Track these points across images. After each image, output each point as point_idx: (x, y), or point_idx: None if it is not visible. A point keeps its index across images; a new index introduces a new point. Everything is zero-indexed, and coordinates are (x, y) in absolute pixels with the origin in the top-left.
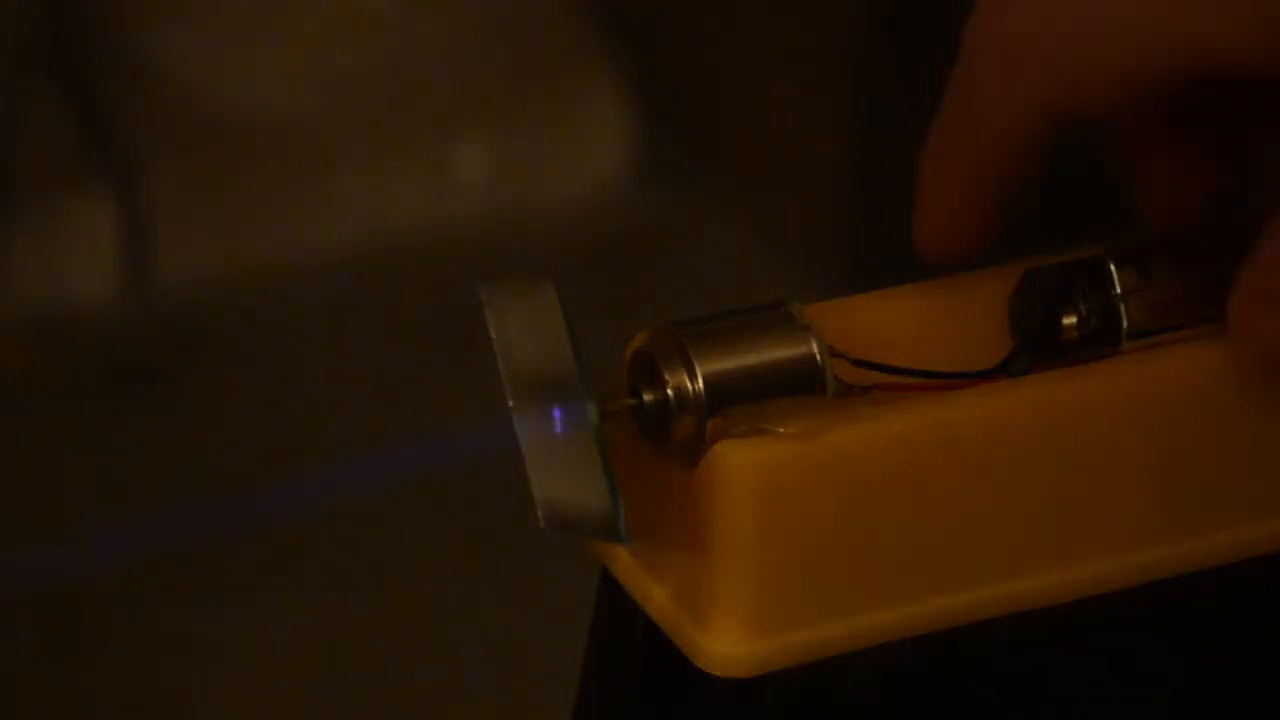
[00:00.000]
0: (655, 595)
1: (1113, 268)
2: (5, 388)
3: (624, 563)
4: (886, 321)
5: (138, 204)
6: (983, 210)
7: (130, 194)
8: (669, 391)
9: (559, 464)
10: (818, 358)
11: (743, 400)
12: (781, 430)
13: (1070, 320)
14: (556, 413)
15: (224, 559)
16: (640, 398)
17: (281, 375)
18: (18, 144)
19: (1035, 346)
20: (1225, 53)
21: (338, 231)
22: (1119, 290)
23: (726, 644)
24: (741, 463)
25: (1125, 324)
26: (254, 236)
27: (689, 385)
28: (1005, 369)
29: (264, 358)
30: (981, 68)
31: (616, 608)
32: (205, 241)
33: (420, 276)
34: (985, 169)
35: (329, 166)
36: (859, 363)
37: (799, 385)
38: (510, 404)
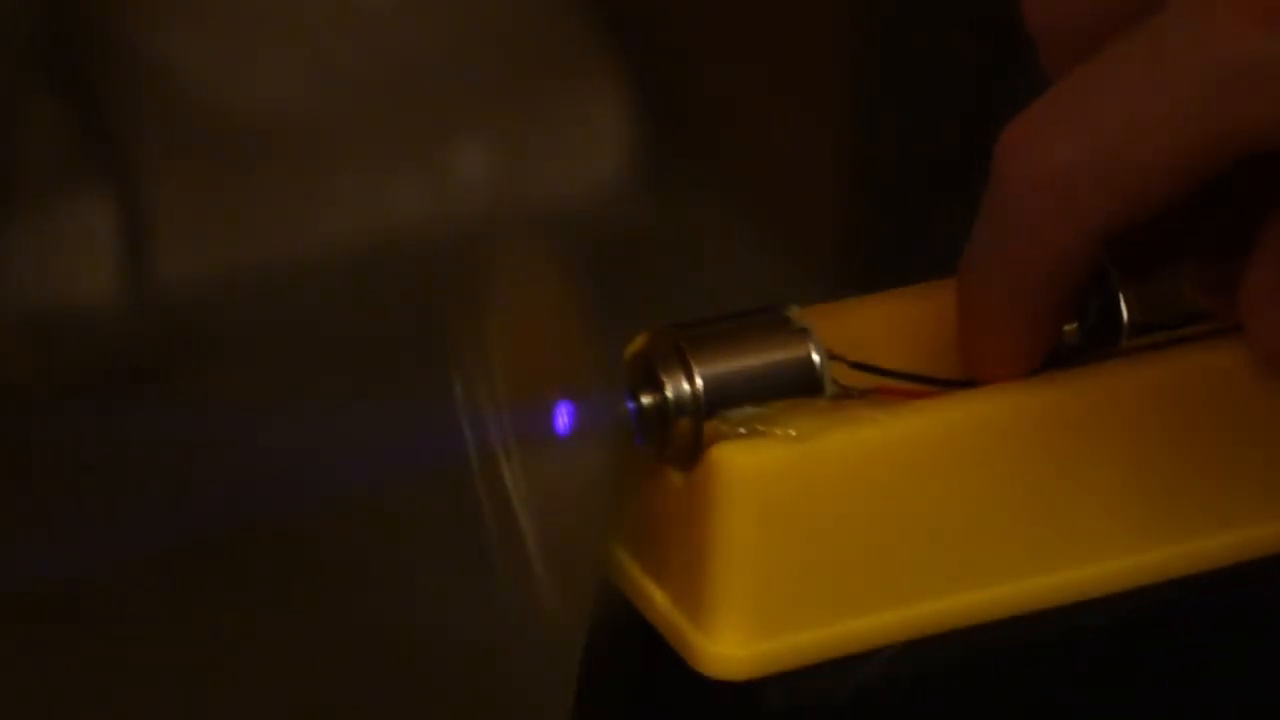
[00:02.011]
0: (652, 597)
1: (1112, 268)
2: (4, 388)
3: (622, 565)
4: (885, 324)
5: (138, 204)
6: (1044, 332)
7: (130, 194)
8: (666, 394)
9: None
10: (815, 360)
11: (740, 403)
12: (779, 433)
13: (1069, 321)
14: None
15: (223, 559)
16: (638, 400)
17: (281, 375)
18: (18, 144)
19: None
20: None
21: (338, 231)
22: (1119, 290)
23: (724, 647)
24: (739, 465)
25: (1125, 324)
26: (254, 236)
27: (686, 387)
28: None
29: (264, 357)
30: (1030, 206)
31: (613, 610)
32: (205, 241)
33: (420, 276)
34: (1040, 299)
35: (329, 166)
36: (857, 365)
37: (797, 388)
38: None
